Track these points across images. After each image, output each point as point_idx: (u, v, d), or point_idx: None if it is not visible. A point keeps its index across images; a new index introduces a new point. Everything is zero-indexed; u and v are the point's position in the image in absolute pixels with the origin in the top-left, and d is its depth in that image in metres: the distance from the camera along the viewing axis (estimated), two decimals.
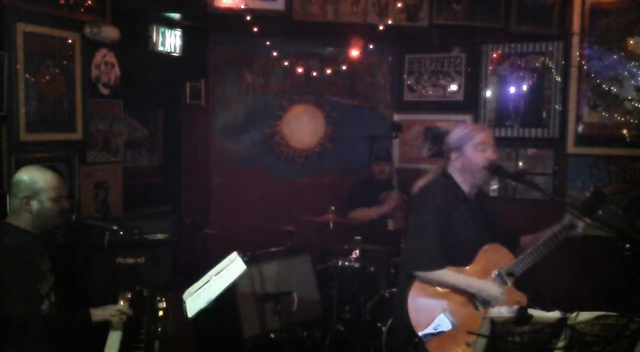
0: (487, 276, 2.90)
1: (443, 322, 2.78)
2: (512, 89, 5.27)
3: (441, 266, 2.82)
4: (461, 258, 2.89)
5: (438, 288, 2.85)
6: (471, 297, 2.86)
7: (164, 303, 3.13)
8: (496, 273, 2.91)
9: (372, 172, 5.22)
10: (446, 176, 3.00)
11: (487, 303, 2.85)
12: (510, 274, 2.91)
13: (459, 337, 2.72)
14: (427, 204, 2.89)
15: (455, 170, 2.99)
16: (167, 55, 5.01)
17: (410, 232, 2.94)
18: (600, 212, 2.87)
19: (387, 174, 5.22)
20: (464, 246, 2.90)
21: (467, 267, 2.89)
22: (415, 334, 2.76)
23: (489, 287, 2.84)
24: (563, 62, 5.03)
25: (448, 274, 2.83)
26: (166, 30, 4.94)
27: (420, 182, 3.03)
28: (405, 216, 3.07)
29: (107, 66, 4.33)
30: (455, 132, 3.01)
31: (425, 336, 2.75)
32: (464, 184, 2.99)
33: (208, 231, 4.74)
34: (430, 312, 2.80)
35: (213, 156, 5.58)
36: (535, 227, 3.12)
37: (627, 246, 2.65)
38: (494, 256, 2.94)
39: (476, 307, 2.85)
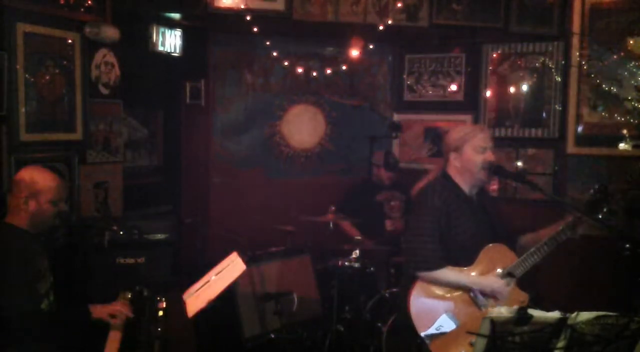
0: (489, 275, 2.90)
1: (446, 323, 2.79)
2: (512, 89, 5.27)
3: (442, 266, 2.82)
4: (463, 258, 2.90)
5: (440, 289, 2.85)
6: (473, 298, 2.86)
7: (164, 303, 3.13)
8: (499, 272, 2.91)
9: (379, 177, 5.18)
10: (445, 176, 3.01)
11: (489, 302, 2.86)
12: (511, 274, 2.91)
13: (461, 338, 2.72)
14: (426, 204, 2.90)
15: (454, 171, 3.00)
16: (167, 55, 5.01)
17: (410, 233, 2.94)
18: (605, 209, 2.87)
19: (392, 181, 5.21)
20: (465, 246, 2.91)
21: (469, 267, 2.90)
22: (418, 335, 2.77)
23: (492, 282, 2.85)
24: (563, 62, 5.03)
25: (450, 273, 2.84)
26: (166, 30, 4.94)
27: (420, 184, 3.04)
28: (406, 217, 3.08)
29: (107, 66, 4.33)
30: (454, 133, 3.02)
31: (428, 336, 2.76)
32: (464, 184, 2.99)
33: (208, 231, 4.74)
34: (433, 312, 2.81)
35: (213, 156, 5.58)
36: (535, 227, 3.12)
37: (627, 246, 2.66)
38: (497, 255, 2.94)
39: (478, 308, 2.86)
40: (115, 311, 2.85)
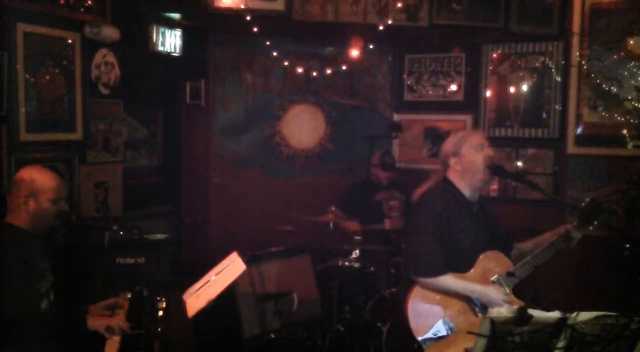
0: (485, 282, 2.91)
1: (442, 328, 2.79)
2: (512, 89, 5.27)
3: (442, 273, 2.82)
4: (461, 263, 2.90)
5: (438, 294, 2.85)
6: (470, 304, 2.87)
7: (164, 303, 3.13)
8: (495, 279, 2.91)
9: (377, 177, 5.19)
10: (446, 181, 3.01)
11: (486, 309, 2.86)
12: (512, 273, 2.91)
13: (458, 343, 2.73)
14: (427, 209, 2.90)
15: (455, 176, 3.00)
16: (167, 55, 5.01)
17: (411, 239, 2.94)
18: (595, 222, 2.89)
19: (390, 180, 5.21)
20: (464, 251, 2.91)
21: (467, 274, 2.90)
22: (415, 340, 2.77)
23: (491, 292, 2.85)
24: (563, 62, 5.03)
25: (450, 280, 2.84)
26: (166, 30, 4.94)
27: (421, 189, 3.04)
28: (406, 222, 3.09)
29: (107, 66, 4.33)
30: (449, 140, 3.06)
31: (425, 341, 2.76)
32: (465, 188, 2.99)
33: (208, 231, 4.74)
34: (430, 318, 2.81)
35: (213, 156, 5.57)
36: (535, 227, 3.13)
37: (627, 246, 2.67)
38: (493, 262, 2.95)
39: (475, 314, 2.86)
40: (112, 324, 2.84)
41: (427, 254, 2.83)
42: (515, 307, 1.91)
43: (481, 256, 2.92)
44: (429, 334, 2.77)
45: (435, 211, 2.88)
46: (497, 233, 3.09)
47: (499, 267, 2.94)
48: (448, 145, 3.03)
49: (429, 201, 2.93)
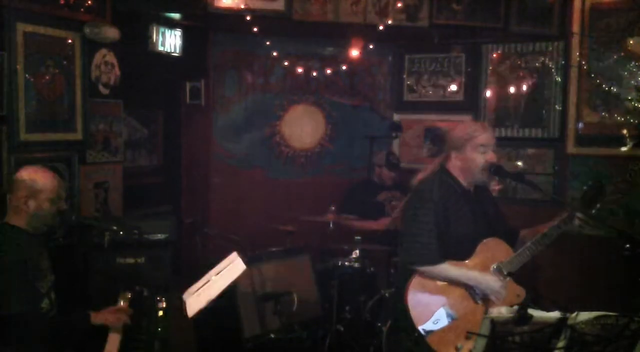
0: (486, 270, 2.91)
1: (443, 317, 2.80)
2: (512, 89, 5.27)
3: (439, 261, 2.83)
4: (460, 252, 2.90)
5: (437, 283, 2.86)
6: (470, 291, 2.87)
7: (164, 303, 3.13)
8: (495, 267, 2.92)
9: (381, 177, 5.19)
10: (445, 171, 3.01)
11: (486, 297, 2.87)
12: (510, 273, 2.91)
13: (458, 331, 2.73)
14: (425, 199, 2.91)
15: (454, 167, 3.01)
16: (167, 55, 5.01)
17: (407, 228, 2.95)
18: (598, 205, 2.87)
19: (394, 180, 5.21)
20: (462, 240, 2.91)
21: (466, 261, 2.90)
22: (416, 329, 2.78)
23: (488, 280, 2.86)
24: (563, 62, 5.03)
25: (447, 268, 2.85)
26: (166, 30, 4.94)
27: (419, 176, 3.05)
28: (404, 209, 3.08)
29: (107, 66, 4.33)
30: (457, 131, 3.02)
31: (426, 330, 2.76)
32: (463, 180, 3.00)
33: (208, 231, 4.74)
34: (430, 306, 2.82)
35: (213, 156, 5.58)
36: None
37: (627, 246, 2.66)
38: (494, 249, 2.95)
39: (475, 301, 2.87)
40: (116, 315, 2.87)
41: (425, 244, 2.83)
42: (515, 307, 1.91)
43: (481, 244, 2.92)
44: (430, 323, 2.77)
45: (432, 199, 2.88)
46: (497, 221, 3.08)
47: (499, 254, 2.94)
48: (453, 136, 2.99)
49: (425, 189, 2.93)
